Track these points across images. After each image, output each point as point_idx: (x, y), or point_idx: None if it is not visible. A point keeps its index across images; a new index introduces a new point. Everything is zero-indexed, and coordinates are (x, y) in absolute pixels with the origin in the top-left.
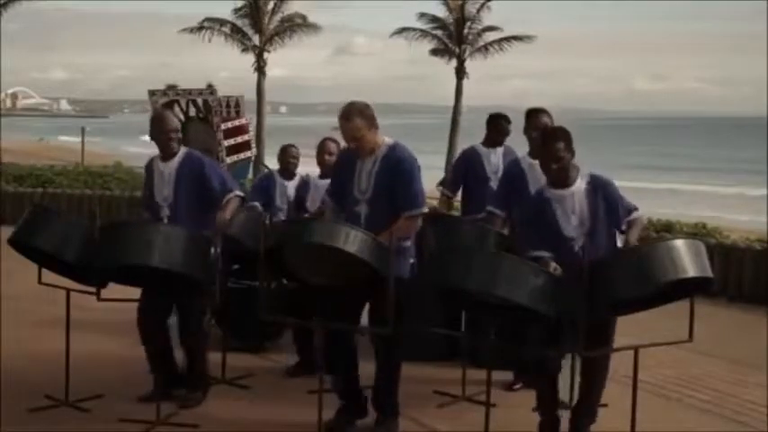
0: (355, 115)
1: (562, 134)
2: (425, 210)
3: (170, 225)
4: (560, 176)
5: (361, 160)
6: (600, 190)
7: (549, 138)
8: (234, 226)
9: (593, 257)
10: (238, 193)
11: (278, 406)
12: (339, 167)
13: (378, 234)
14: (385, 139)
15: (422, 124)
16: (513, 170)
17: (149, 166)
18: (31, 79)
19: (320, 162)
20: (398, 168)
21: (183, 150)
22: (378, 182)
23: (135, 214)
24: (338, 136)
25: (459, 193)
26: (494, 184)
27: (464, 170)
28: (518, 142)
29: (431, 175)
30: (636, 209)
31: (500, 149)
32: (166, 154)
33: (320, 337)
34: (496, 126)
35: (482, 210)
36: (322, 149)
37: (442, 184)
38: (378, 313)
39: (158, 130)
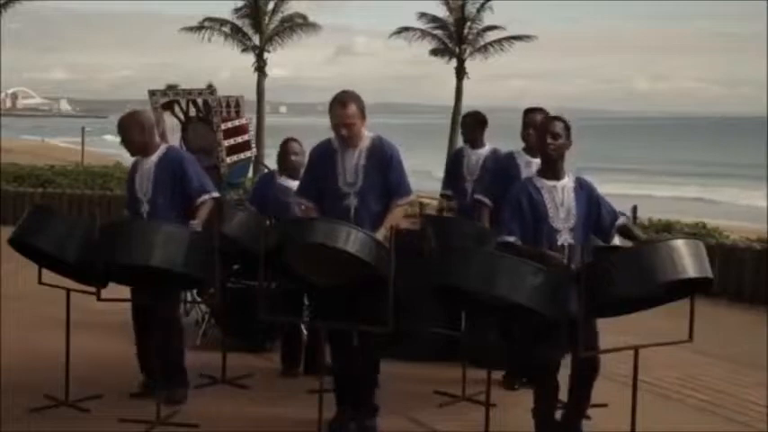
0: (352, 102)
1: (563, 119)
2: (413, 196)
3: (171, 224)
4: (555, 157)
5: (343, 153)
6: (585, 190)
7: (549, 118)
8: (234, 226)
9: (574, 253)
10: (214, 194)
11: (278, 406)
12: (315, 164)
13: (375, 226)
14: (365, 132)
15: (422, 124)
16: (507, 163)
17: (133, 165)
18: (31, 79)
19: (284, 162)
20: (390, 161)
21: (163, 146)
22: (367, 174)
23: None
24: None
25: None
26: (468, 185)
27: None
28: (513, 141)
29: (431, 174)
30: (622, 214)
31: (481, 150)
32: (142, 153)
33: (324, 336)
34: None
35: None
36: (286, 150)
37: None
38: (376, 313)
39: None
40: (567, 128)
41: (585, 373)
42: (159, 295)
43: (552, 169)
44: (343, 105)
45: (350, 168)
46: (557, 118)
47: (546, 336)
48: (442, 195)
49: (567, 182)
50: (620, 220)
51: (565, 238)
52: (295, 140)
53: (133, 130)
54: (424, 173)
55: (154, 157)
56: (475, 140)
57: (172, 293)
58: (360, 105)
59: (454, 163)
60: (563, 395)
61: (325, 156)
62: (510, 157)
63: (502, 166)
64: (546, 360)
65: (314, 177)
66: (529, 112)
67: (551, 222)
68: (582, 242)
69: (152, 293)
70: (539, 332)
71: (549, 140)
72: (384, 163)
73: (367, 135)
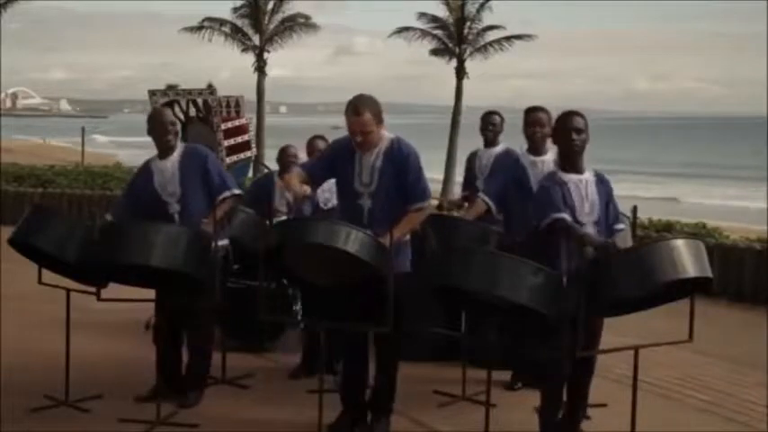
0: (366, 110)
1: (581, 114)
2: (432, 202)
3: (170, 224)
4: (578, 153)
5: (361, 154)
6: (604, 185)
7: (569, 114)
8: (234, 226)
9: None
10: (235, 191)
11: (278, 406)
12: (333, 155)
13: (387, 229)
14: (384, 133)
15: (422, 124)
16: (515, 169)
17: (145, 168)
18: (31, 79)
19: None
20: (406, 163)
21: (181, 145)
22: (382, 176)
23: None
24: (337, 135)
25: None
26: (480, 183)
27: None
28: (513, 141)
29: (429, 175)
30: (623, 220)
31: (494, 150)
32: (163, 148)
33: (326, 338)
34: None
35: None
36: (312, 148)
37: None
38: (378, 313)
39: (155, 123)
40: (586, 122)
41: (582, 373)
42: (192, 306)
43: (574, 164)
44: (357, 113)
45: (366, 169)
46: (576, 113)
47: (547, 336)
48: (463, 198)
49: (589, 176)
50: (618, 226)
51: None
52: (322, 138)
53: (174, 123)
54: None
55: (175, 156)
56: (495, 140)
57: (203, 304)
58: (374, 110)
59: (469, 165)
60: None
61: (344, 153)
62: (516, 160)
63: (511, 173)
64: (546, 360)
65: (327, 164)
66: (532, 110)
67: (577, 216)
68: (605, 235)
69: (185, 305)
70: (539, 332)
71: (575, 136)
72: (400, 165)
73: (386, 136)
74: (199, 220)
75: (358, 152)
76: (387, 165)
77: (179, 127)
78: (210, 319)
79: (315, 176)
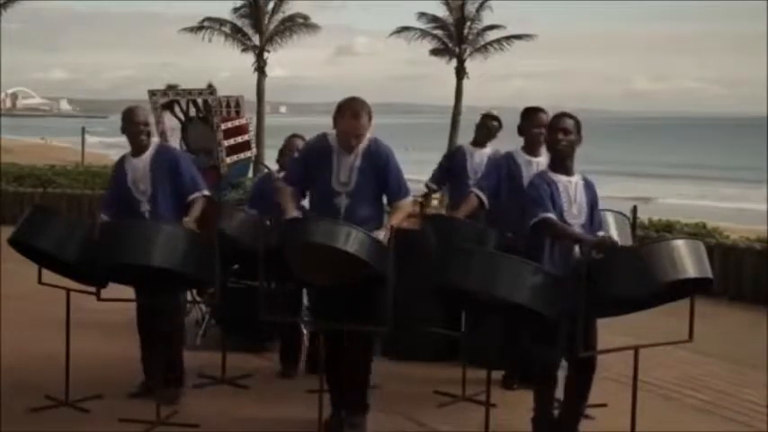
0: (364, 114)
1: (572, 116)
2: (432, 202)
3: (171, 225)
4: (566, 153)
5: (339, 153)
6: (591, 190)
7: (559, 114)
8: (233, 226)
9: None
10: (205, 192)
11: (278, 406)
12: (309, 156)
13: (363, 227)
14: None
15: (422, 124)
16: (508, 163)
17: (120, 165)
18: (31, 79)
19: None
20: (387, 163)
21: (154, 144)
22: (360, 175)
23: None
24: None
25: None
26: (471, 182)
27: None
28: (513, 141)
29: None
30: (606, 228)
31: (485, 150)
32: (136, 147)
33: (322, 337)
34: (484, 124)
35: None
36: (290, 146)
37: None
38: (375, 312)
39: (128, 122)
40: (577, 124)
41: (584, 373)
42: (163, 297)
43: (564, 165)
44: (356, 116)
45: (344, 168)
46: (566, 115)
47: (545, 335)
48: (427, 185)
49: (578, 179)
50: (602, 233)
51: None
52: (300, 137)
53: (146, 124)
54: (424, 172)
55: (147, 156)
56: (485, 142)
57: (175, 296)
58: (370, 114)
59: (454, 160)
60: (560, 394)
61: (320, 152)
62: (510, 156)
63: (507, 170)
64: (546, 360)
65: (304, 168)
66: (538, 111)
67: (564, 217)
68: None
69: (155, 296)
70: (538, 332)
71: (561, 136)
72: (380, 166)
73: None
74: (169, 220)
75: (335, 151)
76: (365, 164)
77: (152, 127)
78: (176, 316)
79: (296, 183)
